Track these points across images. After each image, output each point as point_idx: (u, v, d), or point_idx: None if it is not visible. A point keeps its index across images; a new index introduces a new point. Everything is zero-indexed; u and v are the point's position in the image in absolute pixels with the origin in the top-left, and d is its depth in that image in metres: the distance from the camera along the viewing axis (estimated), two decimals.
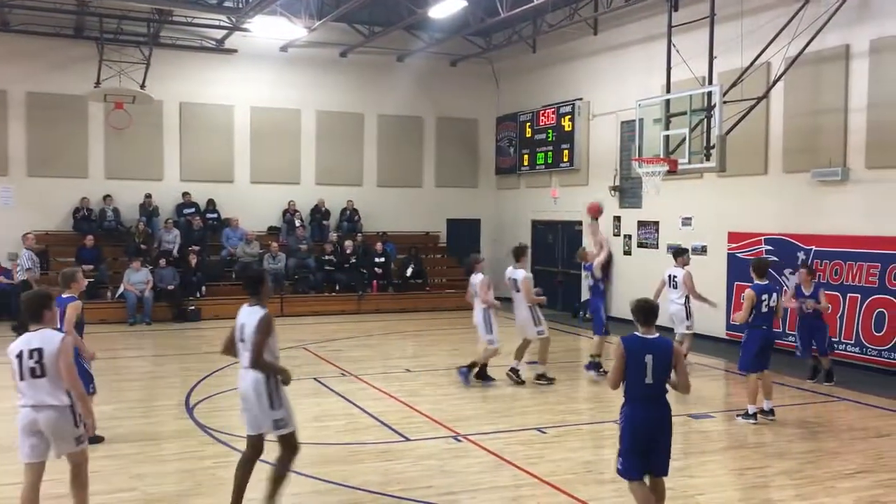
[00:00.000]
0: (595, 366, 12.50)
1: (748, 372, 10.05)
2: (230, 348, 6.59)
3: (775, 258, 14.70)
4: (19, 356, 5.87)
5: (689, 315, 12.80)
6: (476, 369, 11.98)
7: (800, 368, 13.06)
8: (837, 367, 13.34)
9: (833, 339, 13.08)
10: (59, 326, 6.60)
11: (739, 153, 14.25)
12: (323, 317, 19.38)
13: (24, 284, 15.47)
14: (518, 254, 12.15)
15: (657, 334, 6.04)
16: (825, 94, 14.03)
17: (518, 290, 11.92)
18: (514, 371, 12.06)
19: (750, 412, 9.96)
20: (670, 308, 12.72)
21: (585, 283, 13.02)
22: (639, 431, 5.89)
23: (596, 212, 12.83)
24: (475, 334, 14.20)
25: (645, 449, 5.90)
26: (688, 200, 16.86)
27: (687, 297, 12.77)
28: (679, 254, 13.14)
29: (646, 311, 6.07)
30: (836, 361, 13.53)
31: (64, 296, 8.18)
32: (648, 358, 5.85)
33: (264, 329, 6.23)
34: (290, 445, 6.49)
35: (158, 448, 8.73)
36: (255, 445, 6.54)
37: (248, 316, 6.36)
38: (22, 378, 5.88)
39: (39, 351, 5.84)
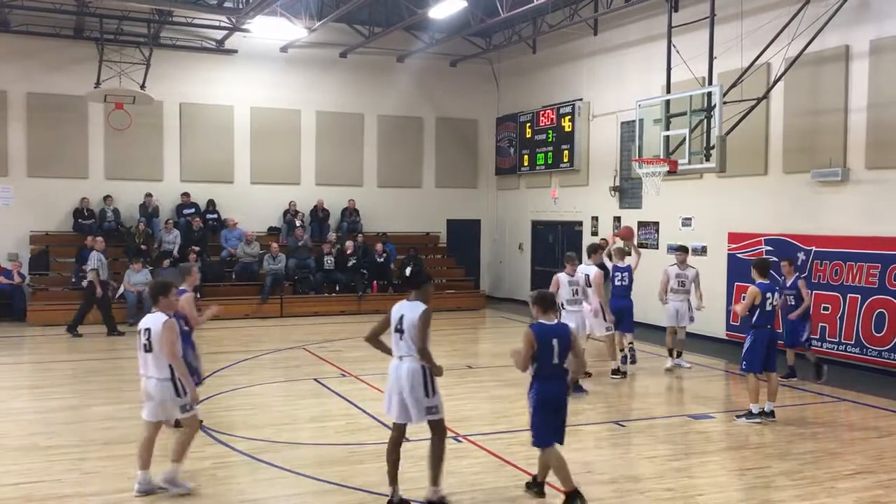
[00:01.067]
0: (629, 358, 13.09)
1: (752, 372, 10.03)
2: (376, 338, 7.01)
3: (775, 258, 14.70)
4: (139, 333, 7.12)
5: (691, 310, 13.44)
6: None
7: (799, 368, 13.06)
8: (837, 368, 13.36)
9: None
10: (171, 313, 7.31)
11: (739, 154, 14.25)
12: (323, 317, 19.39)
13: (90, 285, 16.60)
14: (591, 251, 12.60)
15: (556, 321, 7.04)
16: (825, 95, 14.03)
17: (589, 286, 12.09)
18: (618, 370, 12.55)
19: (753, 412, 9.96)
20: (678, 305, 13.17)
21: (610, 285, 13.04)
22: (550, 404, 6.86)
23: (630, 236, 13.96)
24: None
25: (553, 418, 6.89)
26: (688, 201, 16.86)
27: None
28: (681, 250, 13.63)
29: (546, 300, 7.00)
30: (836, 362, 13.56)
31: (179, 288, 8.85)
32: (554, 342, 6.77)
33: (428, 321, 6.76)
34: (441, 429, 7.00)
35: (158, 448, 8.69)
36: (401, 428, 7.06)
37: (411, 309, 6.81)
38: (140, 351, 7.11)
39: (148, 330, 7.05)
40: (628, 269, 13.20)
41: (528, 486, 7.40)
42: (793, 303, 12.08)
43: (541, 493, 7.27)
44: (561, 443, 6.96)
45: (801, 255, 14.30)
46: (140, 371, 7.19)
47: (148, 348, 7.05)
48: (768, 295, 9.94)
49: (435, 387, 6.87)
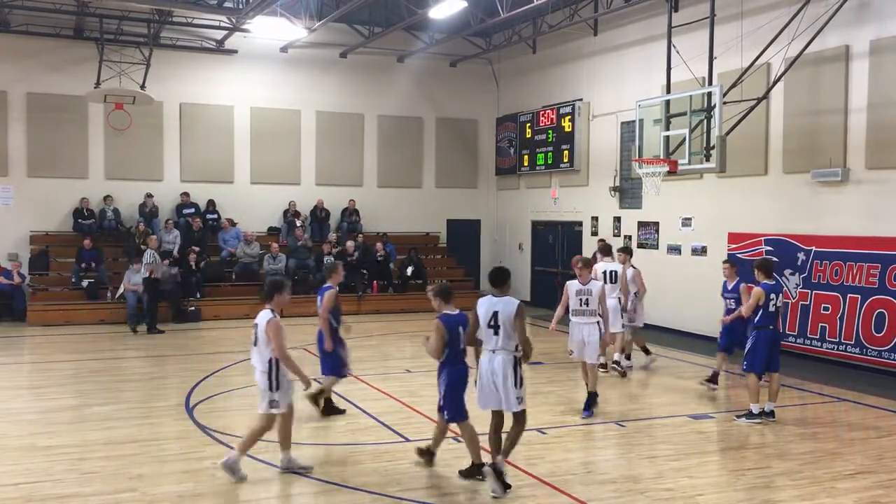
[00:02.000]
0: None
1: (754, 372, 10.02)
2: (474, 338, 7.56)
3: (775, 259, 14.70)
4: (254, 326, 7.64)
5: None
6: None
7: (799, 368, 13.07)
8: (837, 368, 13.37)
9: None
10: (271, 312, 7.74)
11: (739, 154, 14.25)
12: None
13: (152, 280, 16.96)
14: (625, 252, 13.23)
15: (458, 311, 7.70)
16: (825, 95, 14.03)
17: (614, 282, 12.54)
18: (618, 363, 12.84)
19: (754, 412, 9.96)
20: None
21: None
22: (459, 384, 7.71)
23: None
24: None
25: (462, 396, 7.69)
26: (688, 201, 16.86)
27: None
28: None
29: (445, 292, 7.74)
30: (836, 362, 13.57)
31: (324, 285, 9.85)
32: (460, 329, 7.55)
33: (524, 314, 7.40)
34: (523, 419, 7.51)
35: (158, 448, 8.73)
36: (500, 414, 7.55)
37: (505, 305, 7.34)
38: (251, 343, 7.67)
39: (257, 325, 7.60)
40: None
41: (421, 452, 8.03)
42: (733, 306, 11.40)
43: (431, 463, 7.97)
44: (467, 418, 7.71)
45: (802, 256, 14.31)
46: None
47: (253, 342, 7.64)
48: (772, 296, 9.94)
49: (523, 378, 7.47)
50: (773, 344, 10.06)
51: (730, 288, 11.67)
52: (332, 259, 20.65)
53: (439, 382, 7.75)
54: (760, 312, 9.90)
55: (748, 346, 10.12)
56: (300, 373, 7.66)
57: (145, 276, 16.95)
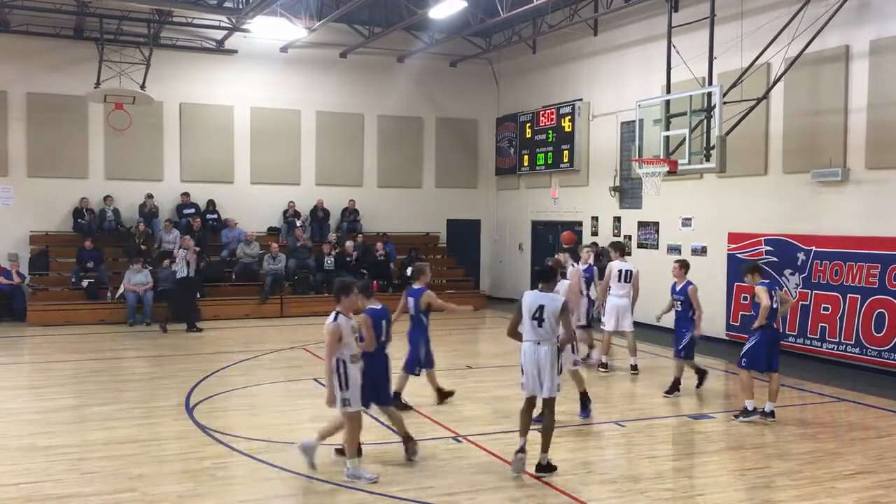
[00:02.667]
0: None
1: (751, 370, 10.00)
2: (515, 330, 8.08)
3: (775, 259, 14.72)
4: None
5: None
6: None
7: (799, 368, 13.07)
8: (837, 368, 13.37)
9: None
10: (337, 312, 7.73)
11: (739, 154, 14.25)
12: (323, 317, 19.19)
13: (185, 278, 17.29)
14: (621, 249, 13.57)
15: (380, 305, 8.34)
16: (825, 95, 14.03)
17: (627, 281, 13.03)
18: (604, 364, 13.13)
19: (749, 408, 9.94)
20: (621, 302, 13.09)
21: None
22: (383, 374, 8.26)
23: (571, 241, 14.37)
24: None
25: (387, 384, 8.39)
26: (688, 201, 16.86)
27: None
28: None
29: (367, 289, 8.39)
30: (836, 362, 13.56)
31: (415, 287, 10.33)
32: (384, 322, 8.30)
33: (569, 310, 8.04)
34: (553, 406, 7.99)
35: (158, 448, 8.73)
36: (533, 400, 8.06)
37: (551, 301, 7.90)
38: None
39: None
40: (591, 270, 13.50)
41: (406, 441, 8.36)
42: (679, 308, 11.29)
43: (412, 454, 8.30)
44: (384, 404, 8.32)
45: (802, 256, 14.31)
46: None
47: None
48: (773, 294, 9.95)
49: (561, 367, 8.13)
50: (774, 343, 10.05)
51: (678, 289, 11.40)
52: (333, 259, 20.68)
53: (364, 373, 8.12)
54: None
55: (749, 343, 10.10)
56: (330, 384, 7.56)
57: (182, 274, 17.21)
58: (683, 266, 11.59)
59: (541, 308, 7.86)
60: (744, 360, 10.08)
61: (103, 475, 7.78)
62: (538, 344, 7.87)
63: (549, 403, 7.94)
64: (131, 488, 7.38)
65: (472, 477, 7.79)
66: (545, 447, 7.91)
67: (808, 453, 8.73)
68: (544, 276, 8.18)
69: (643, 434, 9.56)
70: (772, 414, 10.01)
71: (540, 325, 7.84)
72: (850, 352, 13.44)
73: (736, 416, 10.07)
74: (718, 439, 9.47)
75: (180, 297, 17.40)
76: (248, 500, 7.29)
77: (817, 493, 7.47)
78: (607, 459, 8.64)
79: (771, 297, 9.88)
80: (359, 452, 7.85)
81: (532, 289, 8.08)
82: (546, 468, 7.83)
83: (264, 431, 9.33)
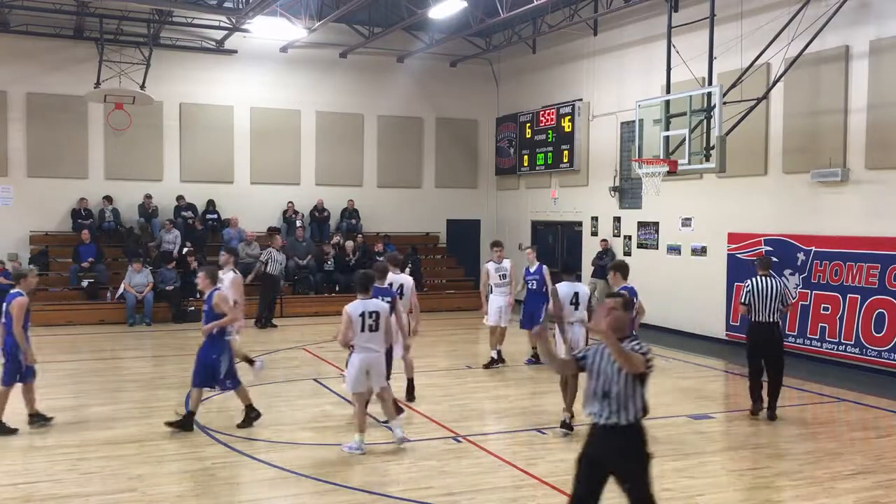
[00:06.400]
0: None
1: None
2: (560, 317, 9.19)
3: (775, 259, 14.71)
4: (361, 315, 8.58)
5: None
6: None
7: (799, 368, 13.06)
8: (837, 368, 13.37)
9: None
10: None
11: (739, 154, 14.25)
12: (323, 317, 19.34)
13: (269, 276, 18.12)
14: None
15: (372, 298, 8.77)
16: (825, 95, 14.03)
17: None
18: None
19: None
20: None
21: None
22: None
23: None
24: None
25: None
26: (688, 201, 16.85)
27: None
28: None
29: (574, 265, 9.58)
30: (836, 362, 13.56)
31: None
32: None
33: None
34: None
35: (158, 448, 8.72)
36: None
37: (582, 288, 9.76)
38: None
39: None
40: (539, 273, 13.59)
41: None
42: (534, 287, 12.98)
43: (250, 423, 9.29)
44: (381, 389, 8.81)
45: (802, 256, 14.31)
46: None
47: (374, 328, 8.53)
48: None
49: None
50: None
51: (532, 271, 13.23)
52: (333, 259, 20.66)
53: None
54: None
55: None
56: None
57: (264, 271, 17.96)
58: (536, 249, 13.85)
59: (576, 294, 9.63)
60: None
61: (103, 475, 7.78)
62: (573, 325, 9.38)
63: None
64: (131, 488, 7.39)
65: (472, 477, 7.79)
66: (569, 406, 9.15)
67: (807, 453, 8.73)
68: (573, 268, 10.01)
69: None
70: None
71: (576, 309, 9.52)
72: (850, 352, 13.45)
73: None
74: (718, 439, 9.48)
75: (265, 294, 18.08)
76: (248, 500, 7.30)
77: (817, 494, 7.47)
78: None
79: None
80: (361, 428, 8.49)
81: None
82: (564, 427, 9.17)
83: (264, 431, 9.33)
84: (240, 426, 9.35)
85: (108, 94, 19.06)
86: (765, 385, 10.24)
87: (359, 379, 8.52)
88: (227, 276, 11.47)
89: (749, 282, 10.18)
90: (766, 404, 10.13)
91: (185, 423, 9.19)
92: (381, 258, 11.31)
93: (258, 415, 9.53)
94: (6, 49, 19.42)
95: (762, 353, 10.16)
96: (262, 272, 18.15)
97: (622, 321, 5.39)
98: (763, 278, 10.09)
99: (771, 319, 10.02)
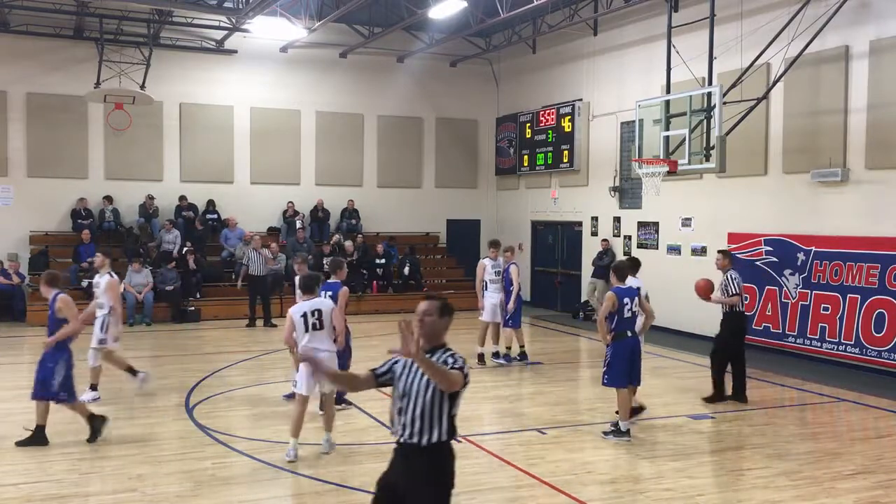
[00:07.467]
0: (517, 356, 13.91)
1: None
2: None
3: (775, 259, 14.72)
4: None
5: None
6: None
7: (799, 368, 13.07)
8: (837, 368, 13.36)
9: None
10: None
11: (739, 154, 14.25)
12: None
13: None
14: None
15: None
16: (825, 95, 14.03)
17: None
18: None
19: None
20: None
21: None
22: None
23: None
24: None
25: None
26: (688, 201, 16.86)
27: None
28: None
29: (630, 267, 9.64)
30: (836, 362, 13.56)
31: (330, 281, 10.30)
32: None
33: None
34: None
35: (158, 448, 8.72)
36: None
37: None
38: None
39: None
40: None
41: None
42: (505, 284, 13.41)
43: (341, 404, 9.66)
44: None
45: (801, 256, 14.31)
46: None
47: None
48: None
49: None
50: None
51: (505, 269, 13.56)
52: (334, 259, 20.64)
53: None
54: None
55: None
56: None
57: (247, 272, 18.13)
58: (510, 249, 13.91)
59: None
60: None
61: (103, 475, 7.78)
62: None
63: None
64: (131, 488, 7.38)
65: (472, 477, 7.79)
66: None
67: (807, 453, 8.73)
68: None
69: (643, 434, 9.56)
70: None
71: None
72: (850, 352, 13.45)
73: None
74: (718, 439, 9.47)
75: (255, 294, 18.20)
76: (248, 500, 7.29)
77: (817, 494, 7.47)
78: (607, 459, 8.63)
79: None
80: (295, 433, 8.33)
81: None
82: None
83: (264, 431, 9.34)
84: (89, 441, 8.74)
85: (108, 94, 19.05)
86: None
87: (310, 381, 8.37)
88: (103, 280, 11.17)
89: (736, 274, 11.12)
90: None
91: (36, 438, 8.64)
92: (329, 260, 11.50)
93: (103, 419, 8.91)
94: (6, 49, 19.42)
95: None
96: (245, 273, 18.31)
97: (437, 328, 4.71)
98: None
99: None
